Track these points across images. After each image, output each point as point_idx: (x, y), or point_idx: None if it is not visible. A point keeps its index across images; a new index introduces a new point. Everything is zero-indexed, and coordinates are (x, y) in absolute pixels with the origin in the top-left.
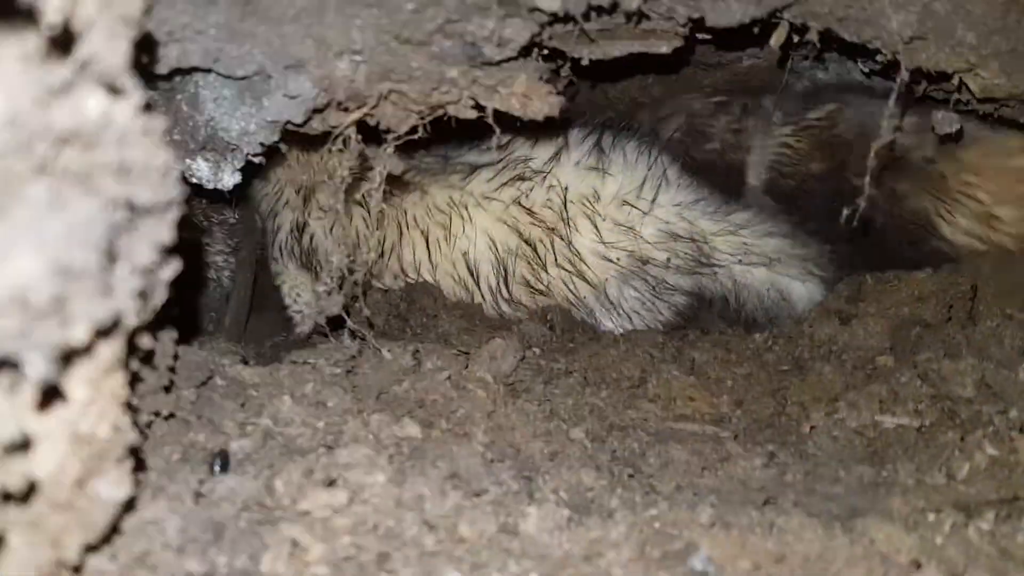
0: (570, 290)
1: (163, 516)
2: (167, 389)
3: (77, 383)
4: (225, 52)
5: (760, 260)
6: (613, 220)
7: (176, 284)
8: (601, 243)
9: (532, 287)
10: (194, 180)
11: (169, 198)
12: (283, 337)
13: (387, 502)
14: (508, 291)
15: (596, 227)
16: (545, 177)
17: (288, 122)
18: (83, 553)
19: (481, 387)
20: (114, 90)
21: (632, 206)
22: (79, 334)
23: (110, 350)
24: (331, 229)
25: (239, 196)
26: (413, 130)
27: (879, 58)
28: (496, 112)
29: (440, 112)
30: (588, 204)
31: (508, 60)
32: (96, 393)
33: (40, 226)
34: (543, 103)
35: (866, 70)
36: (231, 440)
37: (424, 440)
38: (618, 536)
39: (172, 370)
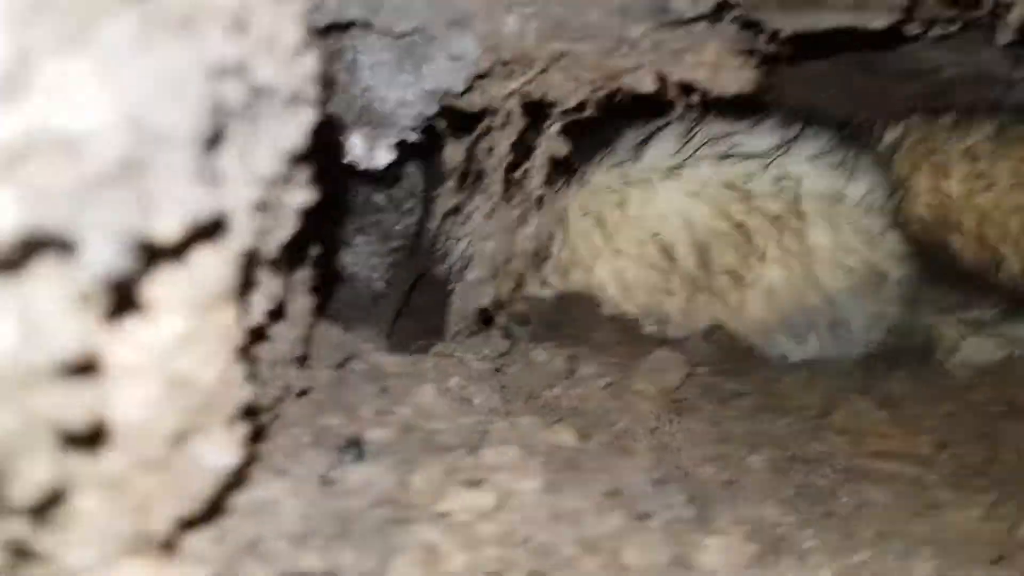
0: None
1: (282, 498)
2: (301, 361)
3: (169, 298)
4: (387, 2)
5: None
6: (855, 226)
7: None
8: (840, 247)
9: (740, 276)
10: (347, 159)
11: (300, 88)
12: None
13: (540, 512)
14: (708, 279)
15: (836, 228)
16: (768, 165)
17: (448, 91)
18: (177, 528)
19: (644, 400)
20: None
21: (877, 214)
22: (166, 225)
23: (215, 266)
24: (489, 214)
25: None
26: (581, 106)
27: None
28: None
29: (613, 85)
30: (828, 204)
31: (699, 19)
32: (199, 324)
33: (117, 66)
34: (735, 76)
35: None
36: (366, 428)
37: (579, 450)
38: None
39: (307, 341)
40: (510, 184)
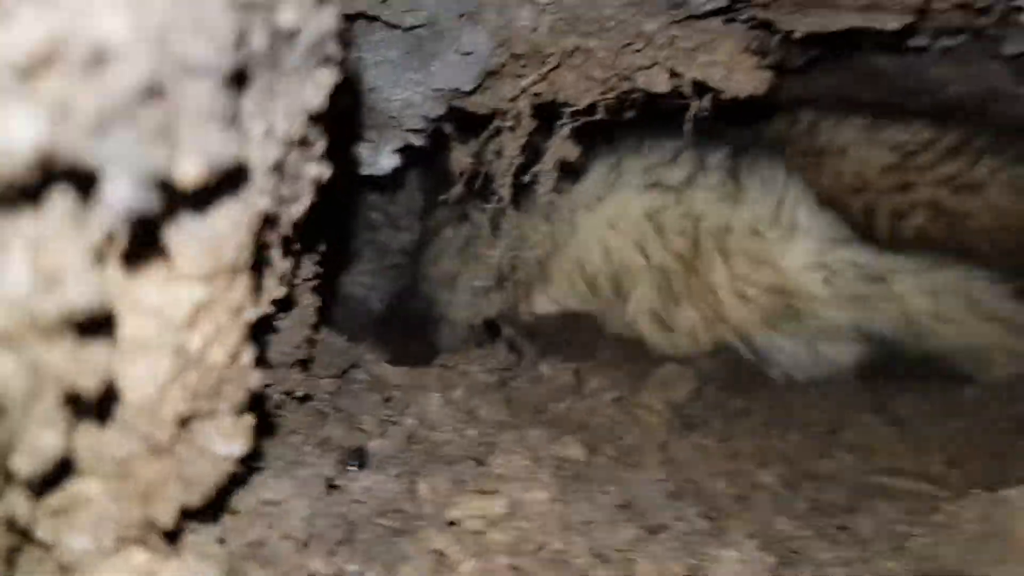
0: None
1: (288, 499)
2: (303, 365)
3: (186, 256)
4: None
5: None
6: (746, 253)
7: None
8: (735, 278)
9: (663, 323)
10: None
11: (323, 43)
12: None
13: (551, 522)
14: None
15: (728, 261)
16: (680, 199)
17: (456, 90)
18: (180, 518)
19: (652, 415)
20: None
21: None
22: (190, 165)
23: (235, 223)
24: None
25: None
26: (592, 108)
27: None
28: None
29: (626, 85)
30: (721, 236)
31: (714, 13)
32: (212, 297)
33: None
34: (749, 77)
35: None
36: (370, 438)
37: (588, 464)
38: None
39: (311, 343)
40: (518, 189)
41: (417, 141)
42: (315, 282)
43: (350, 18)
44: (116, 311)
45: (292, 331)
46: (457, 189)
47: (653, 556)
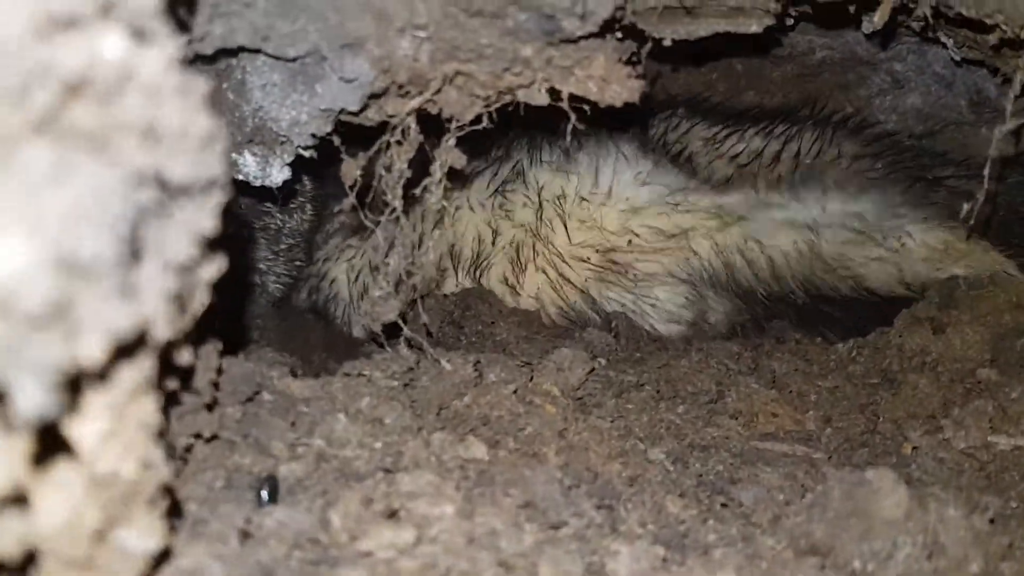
0: (559, 295)
1: (204, 564)
2: (210, 407)
3: (93, 414)
4: (276, 29)
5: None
6: (578, 218)
7: (221, 286)
8: (571, 244)
9: (514, 289)
10: (240, 176)
11: (211, 176)
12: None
13: (457, 539)
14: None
15: (566, 227)
16: (525, 177)
17: (343, 110)
18: None
19: (550, 401)
20: (141, 34)
21: (588, 200)
22: (91, 350)
23: (137, 370)
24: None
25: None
26: (478, 119)
27: (992, 37)
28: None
29: (508, 99)
30: (559, 204)
31: (588, 37)
32: (119, 424)
33: (37, 201)
34: (622, 87)
35: (957, 57)
36: (280, 463)
37: (491, 462)
38: None
39: (216, 386)
40: (410, 199)
41: (307, 154)
42: (214, 327)
43: (231, 52)
44: (31, 481)
45: (198, 388)
46: (348, 201)
47: (554, 559)
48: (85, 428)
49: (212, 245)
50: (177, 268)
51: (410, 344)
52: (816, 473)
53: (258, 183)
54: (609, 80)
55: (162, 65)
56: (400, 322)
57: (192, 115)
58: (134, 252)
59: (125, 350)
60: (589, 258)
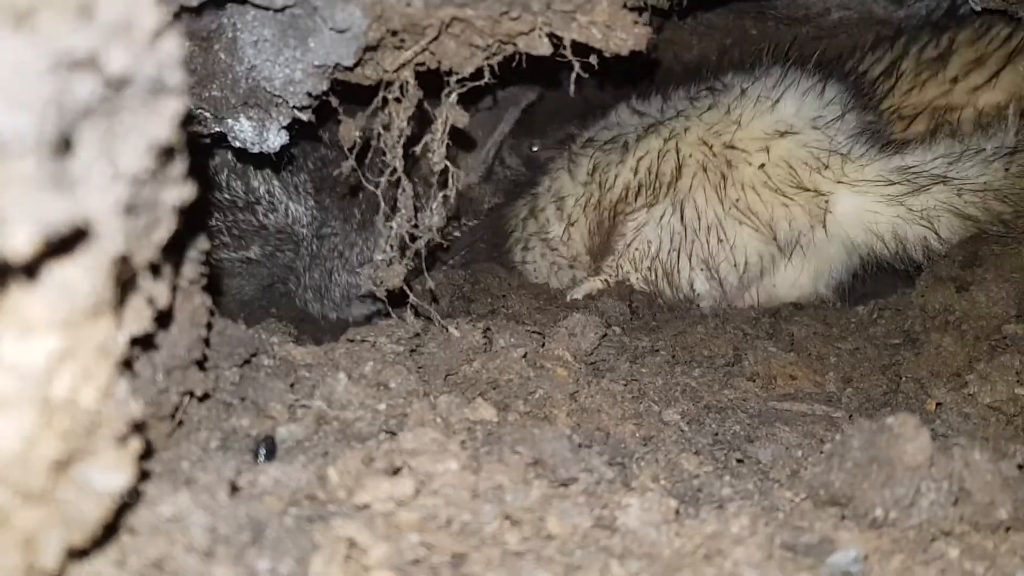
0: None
1: (186, 512)
2: (200, 364)
3: (36, 322)
4: None
5: None
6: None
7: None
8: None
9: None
10: (237, 143)
11: (162, 77)
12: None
13: (461, 493)
14: None
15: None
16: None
17: (338, 65)
18: (66, 558)
19: (561, 366)
20: None
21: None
22: (18, 241)
23: (84, 280)
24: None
25: None
26: (479, 73)
27: None
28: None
29: (509, 48)
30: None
31: None
32: (72, 343)
33: None
34: (628, 34)
35: (978, 8)
36: (279, 424)
37: (500, 424)
38: (740, 530)
39: (206, 342)
40: (411, 159)
41: (304, 116)
42: (201, 282)
43: (218, 2)
44: None
45: (181, 337)
46: (348, 163)
47: (562, 512)
48: (31, 342)
49: (172, 163)
50: (130, 178)
51: (417, 312)
52: (836, 431)
53: (255, 149)
54: (613, 27)
55: None
56: (406, 289)
57: (138, 4)
58: (65, 140)
59: (63, 248)
60: (712, 145)
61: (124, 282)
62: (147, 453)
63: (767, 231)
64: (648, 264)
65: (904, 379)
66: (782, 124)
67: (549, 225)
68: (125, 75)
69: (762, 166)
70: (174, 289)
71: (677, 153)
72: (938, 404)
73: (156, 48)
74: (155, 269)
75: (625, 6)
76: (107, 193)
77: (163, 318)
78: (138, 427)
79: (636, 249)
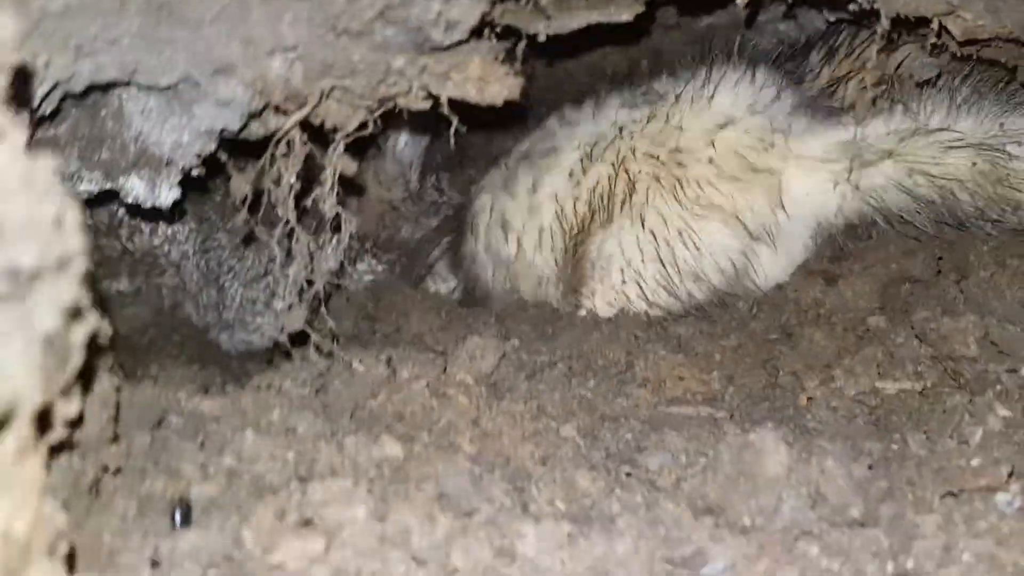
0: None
1: None
2: (114, 439)
3: None
4: (143, 63)
5: None
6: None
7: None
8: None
9: None
10: (130, 200)
11: (66, 252)
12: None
13: (369, 541)
14: None
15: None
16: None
17: (224, 130)
18: None
19: (463, 392)
20: None
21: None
22: None
23: (11, 442)
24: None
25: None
26: (363, 126)
27: (852, 7)
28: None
29: (390, 105)
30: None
31: (459, 44)
32: (6, 481)
33: None
34: (502, 86)
35: (832, 19)
36: (192, 485)
37: (406, 458)
38: (625, 550)
39: (116, 418)
40: (302, 210)
41: (196, 172)
42: (110, 365)
43: (102, 87)
44: None
45: (93, 428)
46: (241, 215)
47: (465, 547)
48: None
49: (79, 312)
50: (43, 340)
51: (319, 349)
52: (719, 432)
53: (148, 205)
54: (488, 80)
55: (6, 159)
56: (308, 329)
57: (39, 201)
58: None
59: None
60: (660, 156)
61: (45, 420)
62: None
63: (734, 222)
64: (630, 280)
65: (781, 373)
66: (721, 117)
67: (499, 245)
68: (35, 264)
69: (711, 160)
70: (85, 385)
71: (627, 173)
72: (809, 399)
73: (61, 227)
74: (68, 391)
75: (496, 59)
76: (26, 366)
77: (77, 420)
78: (61, 533)
79: (607, 268)
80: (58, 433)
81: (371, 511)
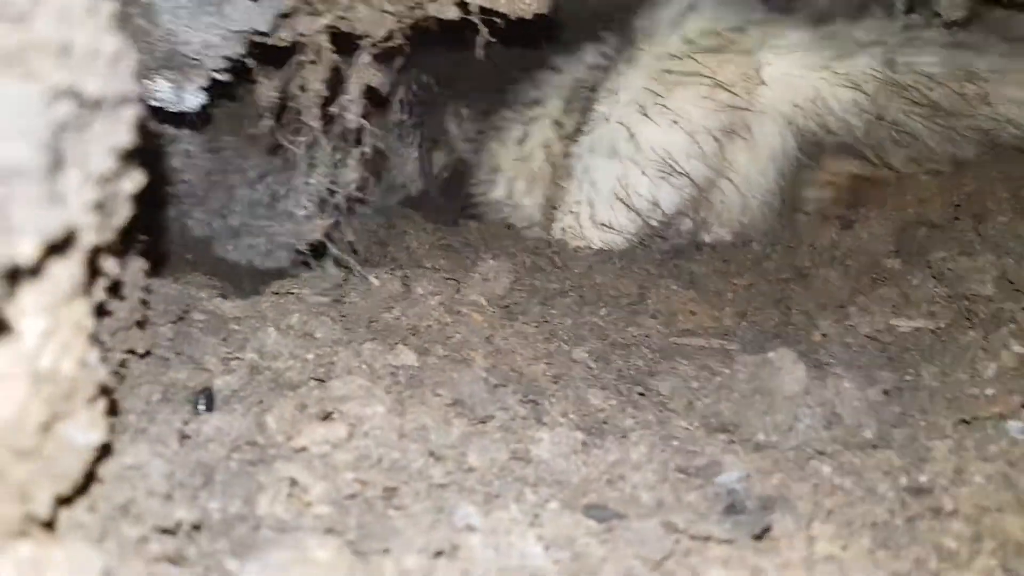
0: None
1: (146, 460)
2: (140, 324)
3: (31, 311)
4: None
5: None
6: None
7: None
8: None
9: None
10: (155, 103)
11: (123, 91)
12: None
13: (389, 434)
14: None
15: None
16: None
17: (254, 31)
18: (55, 506)
19: (476, 310)
20: None
21: None
22: (27, 249)
23: (67, 272)
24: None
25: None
26: (390, 36)
27: None
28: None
29: (419, 13)
30: None
31: None
32: (56, 323)
33: None
34: None
35: None
36: (215, 377)
37: (421, 368)
38: (639, 458)
39: (144, 303)
40: (328, 119)
41: (222, 77)
42: (140, 247)
43: None
44: None
45: (127, 303)
46: (266, 122)
47: (481, 448)
48: (27, 325)
49: (130, 159)
50: (99, 179)
51: (337, 262)
52: (730, 362)
53: (174, 109)
54: None
55: None
56: (327, 241)
57: (101, 35)
58: (58, 162)
59: (56, 250)
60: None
61: (93, 268)
62: (110, 411)
63: (711, 86)
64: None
65: (794, 312)
66: (702, 29)
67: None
68: (97, 96)
69: (689, 40)
70: (123, 262)
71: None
72: (823, 335)
73: (118, 67)
74: (113, 249)
75: None
76: (85, 199)
77: (114, 287)
78: (104, 389)
79: (583, 181)
80: (101, 287)
81: (390, 408)
